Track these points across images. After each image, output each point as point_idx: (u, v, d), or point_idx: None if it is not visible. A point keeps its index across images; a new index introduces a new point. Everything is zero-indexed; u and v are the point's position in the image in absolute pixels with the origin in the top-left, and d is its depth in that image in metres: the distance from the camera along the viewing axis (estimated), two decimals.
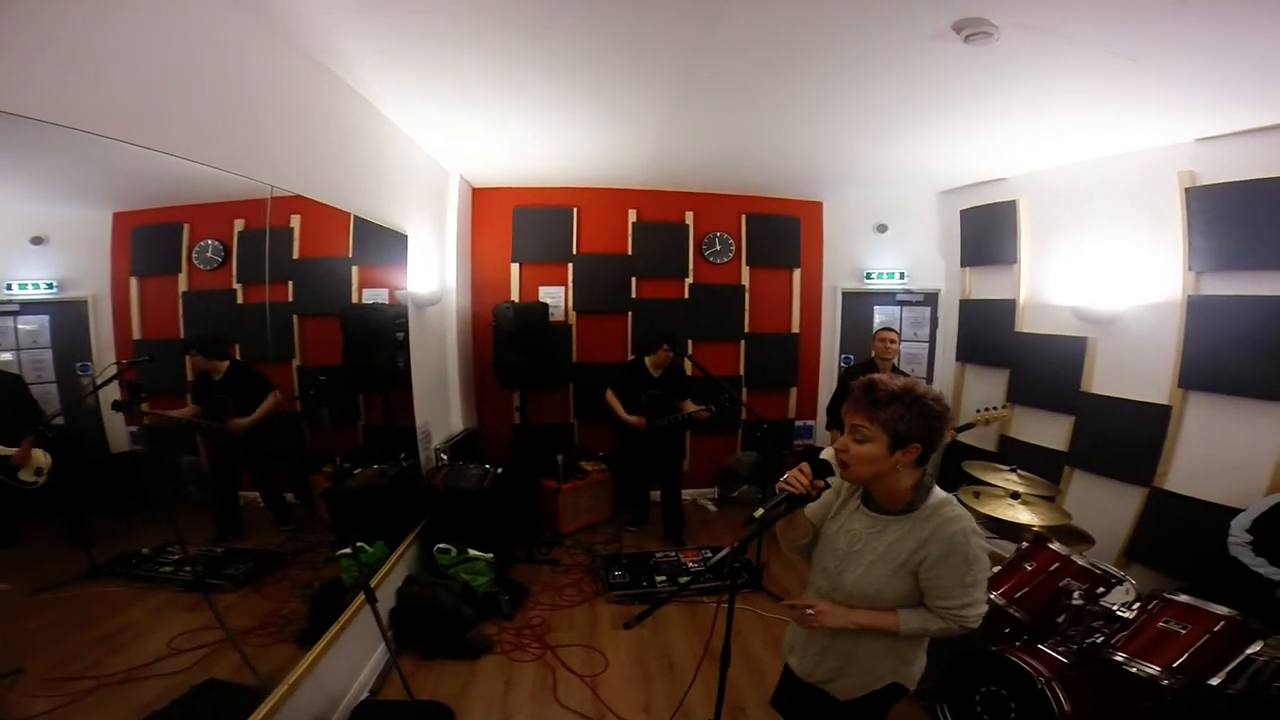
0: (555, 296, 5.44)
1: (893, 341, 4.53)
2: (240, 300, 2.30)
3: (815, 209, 5.81)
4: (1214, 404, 3.34)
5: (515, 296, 5.38)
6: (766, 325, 5.80)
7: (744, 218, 5.62)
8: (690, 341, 5.59)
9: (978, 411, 4.35)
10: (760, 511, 1.64)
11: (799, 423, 6.03)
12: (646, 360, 4.63)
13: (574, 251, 5.43)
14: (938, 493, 1.65)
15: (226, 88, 2.06)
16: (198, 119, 1.92)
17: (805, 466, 1.64)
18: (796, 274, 5.81)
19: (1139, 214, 3.70)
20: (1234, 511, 2.92)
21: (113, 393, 1.83)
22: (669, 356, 4.58)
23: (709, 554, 4.41)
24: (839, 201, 5.76)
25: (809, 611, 1.68)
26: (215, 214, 2.12)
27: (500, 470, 4.15)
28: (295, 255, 2.60)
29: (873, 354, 4.60)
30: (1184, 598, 2.35)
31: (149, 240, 1.93)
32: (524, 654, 3.33)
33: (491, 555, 3.72)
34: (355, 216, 3.01)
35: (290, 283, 2.58)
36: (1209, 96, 2.81)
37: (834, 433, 5.16)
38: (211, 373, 2.29)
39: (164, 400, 2.12)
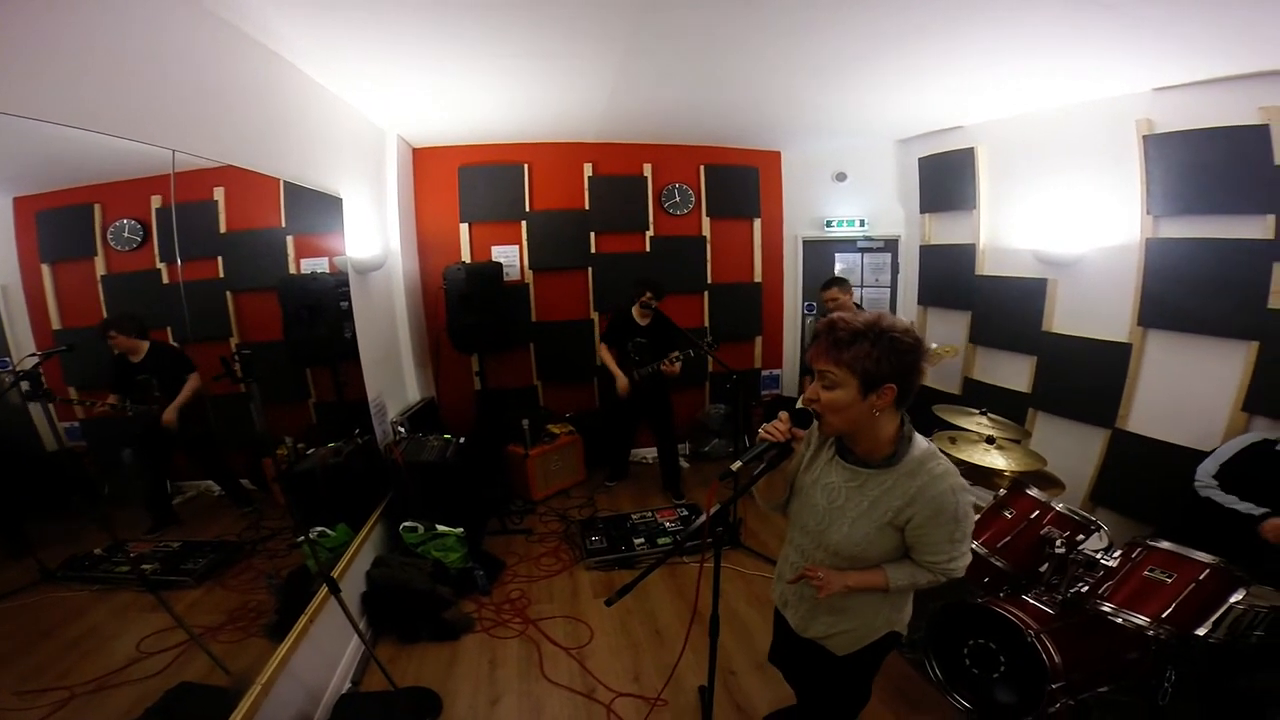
0: (509, 255, 5.21)
1: (834, 300, 4.32)
2: (165, 280, 2.10)
3: (774, 159, 5.70)
4: (1173, 342, 3.41)
5: (466, 257, 5.14)
6: (729, 276, 5.73)
7: (702, 168, 5.46)
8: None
9: (933, 346, 4.24)
10: (738, 464, 1.58)
11: (765, 372, 6.05)
12: (633, 310, 4.53)
13: (527, 209, 5.18)
14: (919, 443, 1.56)
15: (119, 49, 1.84)
16: (93, 85, 1.71)
17: (784, 415, 1.57)
18: (757, 224, 5.73)
19: (1098, 160, 3.71)
20: (1195, 453, 3.01)
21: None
22: (650, 302, 4.44)
23: (685, 512, 4.40)
24: (797, 151, 5.67)
25: (815, 582, 1.63)
26: (129, 191, 1.94)
27: (463, 439, 4.00)
28: (223, 229, 2.43)
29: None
30: (1166, 544, 2.31)
31: (57, 224, 1.76)
32: (506, 630, 3.25)
33: (462, 529, 3.61)
34: (285, 183, 2.78)
35: (220, 258, 2.42)
36: (1169, 46, 2.80)
37: (806, 379, 5.17)
38: (130, 354, 2.08)
39: (93, 393, 1.94)
